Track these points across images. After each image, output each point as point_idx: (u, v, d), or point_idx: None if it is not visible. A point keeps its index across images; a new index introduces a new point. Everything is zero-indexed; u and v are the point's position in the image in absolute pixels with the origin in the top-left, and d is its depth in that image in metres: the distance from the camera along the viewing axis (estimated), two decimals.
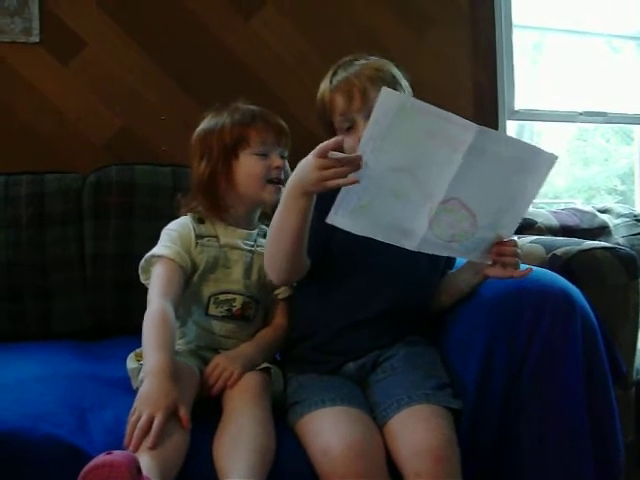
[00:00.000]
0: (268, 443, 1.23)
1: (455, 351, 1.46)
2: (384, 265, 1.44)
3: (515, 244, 1.34)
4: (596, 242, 1.72)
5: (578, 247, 1.65)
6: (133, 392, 1.26)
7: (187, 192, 1.58)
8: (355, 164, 1.16)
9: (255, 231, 1.56)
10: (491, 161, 1.20)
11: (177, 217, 1.54)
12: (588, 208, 2.72)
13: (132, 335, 1.42)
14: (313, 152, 1.20)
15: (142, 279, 1.47)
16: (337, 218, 1.20)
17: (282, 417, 1.34)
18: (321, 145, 1.19)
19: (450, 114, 1.17)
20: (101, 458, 1.01)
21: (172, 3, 2.26)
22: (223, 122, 1.52)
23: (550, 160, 1.25)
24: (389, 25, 2.48)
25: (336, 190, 1.19)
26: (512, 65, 2.73)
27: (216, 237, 1.50)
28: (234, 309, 1.49)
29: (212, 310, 1.48)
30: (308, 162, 1.21)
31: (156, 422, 1.13)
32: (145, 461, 1.08)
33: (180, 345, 1.45)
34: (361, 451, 1.20)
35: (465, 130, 1.17)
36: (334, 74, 1.49)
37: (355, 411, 1.29)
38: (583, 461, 1.35)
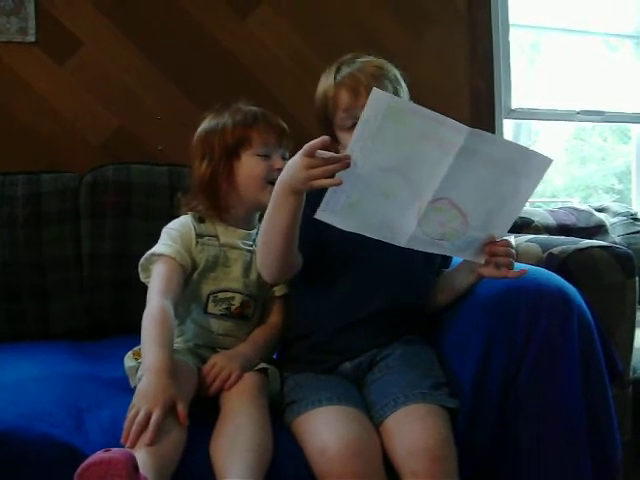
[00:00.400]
0: (266, 443, 1.23)
1: (452, 350, 1.46)
2: (380, 264, 1.44)
3: (508, 244, 1.34)
4: (593, 241, 1.72)
5: (575, 246, 1.65)
6: (130, 392, 1.26)
7: (186, 191, 1.58)
8: (343, 163, 1.16)
9: (254, 231, 1.56)
10: (483, 162, 1.20)
11: (176, 216, 1.54)
12: (585, 207, 2.72)
13: (129, 335, 1.42)
14: (300, 151, 1.20)
15: (142, 277, 1.47)
16: (325, 214, 1.20)
17: (279, 416, 1.34)
18: (308, 144, 1.19)
19: (442, 116, 1.16)
20: (98, 455, 1.01)
21: (168, 3, 2.25)
22: (225, 123, 1.52)
23: (544, 163, 1.25)
24: (387, 25, 2.48)
25: (327, 188, 1.19)
26: (509, 64, 2.73)
27: (216, 236, 1.50)
28: (233, 307, 1.49)
29: (211, 308, 1.48)
30: (296, 161, 1.20)
31: (154, 418, 1.13)
32: (142, 457, 1.08)
33: (178, 343, 1.45)
34: (358, 450, 1.20)
35: (456, 132, 1.16)
36: (338, 70, 1.47)
37: (352, 410, 1.29)
38: (580, 460, 1.35)
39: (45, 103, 2.15)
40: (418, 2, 2.53)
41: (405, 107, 1.18)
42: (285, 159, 1.53)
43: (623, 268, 1.62)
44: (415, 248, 1.27)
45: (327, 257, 1.44)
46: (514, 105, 2.78)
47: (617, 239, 2.59)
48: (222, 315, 1.48)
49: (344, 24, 2.42)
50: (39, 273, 1.89)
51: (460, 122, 1.16)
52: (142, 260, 1.46)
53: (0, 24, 2.11)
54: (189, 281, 1.46)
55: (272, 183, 1.49)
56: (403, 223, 1.24)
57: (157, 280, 1.40)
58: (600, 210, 2.73)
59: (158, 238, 1.48)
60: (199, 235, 1.48)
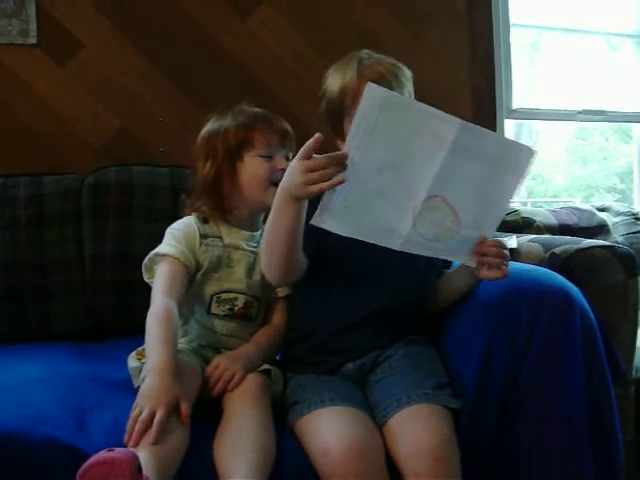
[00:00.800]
0: (269, 444, 1.23)
1: (454, 351, 1.46)
2: (382, 265, 1.43)
3: (499, 244, 1.34)
4: (595, 241, 1.72)
5: (577, 246, 1.64)
6: (133, 393, 1.26)
7: (189, 193, 1.58)
8: (341, 163, 1.15)
9: (258, 232, 1.56)
10: (473, 157, 1.20)
11: (180, 217, 1.54)
12: (587, 207, 2.72)
13: (132, 336, 1.42)
14: (297, 155, 1.19)
15: (145, 278, 1.47)
16: (322, 219, 1.19)
17: (282, 417, 1.34)
18: (304, 147, 1.18)
19: (435, 110, 1.17)
20: (102, 455, 1.01)
21: (168, 4, 2.26)
22: (228, 124, 1.52)
23: (529, 154, 1.25)
24: (387, 25, 2.48)
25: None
26: (510, 64, 2.73)
27: (220, 237, 1.51)
28: (236, 308, 1.49)
29: (214, 309, 1.48)
30: (294, 166, 1.19)
31: (157, 417, 1.14)
32: (144, 457, 1.08)
33: (182, 344, 1.45)
34: (361, 451, 1.20)
35: (449, 126, 1.17)
36: (360, 63, 1.45)
37: (354, 411, 1.29)
38: (583, 460, 1.35)
39: (46, 105, 2.15)
40: (418, 2, 2.54)
41: (400, 101, 1.18)
42: (288, 160, 1.53)
43: (625, 268, 1.62)
44: (409, 251, 1.26)
45: (329, 258, 1.44)
46: (515, 105, 2.78)
47: (619, 239, 2.59)
48: (225, 316, 1.48)
49: (344, 24, 2.42)
50: (41, 274, 1.89)
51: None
52: (146, 260, 1.46)
53: (1, 26, 2.11)
54: (193, 281, 1.46)
55: (275, 184, 1.49)
56: (398, 224, 1.23)
57: (161, 280, 1.40)
58: (602, 210, 2.73)
59: (160, 239, 1.48)
60: (203, 236, 1.48)
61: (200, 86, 2.24)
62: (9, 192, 1.90)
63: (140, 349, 1.41)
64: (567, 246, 1.65)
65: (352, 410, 1.29)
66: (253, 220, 1.57)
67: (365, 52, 1.50)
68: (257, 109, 1.56)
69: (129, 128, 2.23)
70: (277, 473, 1.20)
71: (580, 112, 2.96)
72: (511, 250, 1.72)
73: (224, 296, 1.48)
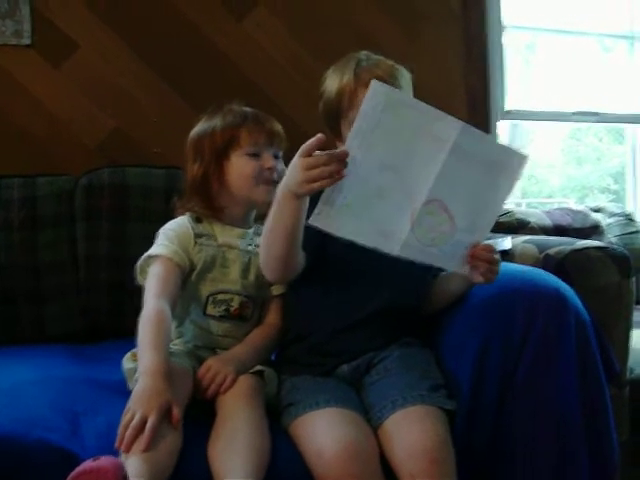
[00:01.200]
0: (263, 445, 1.23)
1: (449, 352, 1.46)
2: (378, 266, 1.43)
3: (489, 249, 1.33)
4: (589, 241, 1.72)
5: (571, 247, 1.65)
6: (127, 395, 1.26)
7: (182, 194, 1.57)
8: (342, 160, 1.15)
9: (252, 230, 1.56)
10: (470, 161, 1.20)
11: (174, 217, 1.54)
12: (581, 207, 2.73)
13: (126, 337, 1.41)
14: (298, 152, 1.19)
15: (139, 279, 1.46)
16: (320, 218, 1.19)
17: (276, 419, 1.34)
18: (305, 144, 1.18)
19: (438, 111, 1.16)
20: (88, 464, 1.01)
21: (163, 5, 2.25)
22: (215, 124, 1.51)
23: (521, 159, 1.25)
24: (382, 26, 2.48)
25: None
26: (503, 65, 2.74)
27: (214, 236, 1.50)
28: (232, 309, 1.48)
29: (210, 310, 1.48)
30: (294, 163, 1.19)
31: (149, 423, 1.13)
32: (136, 463, 1.08)
33: (177, 345, 1.45)
34: (355, 453, 1.20)
35: (451, 127, 1.16)
36: (357, 65, 1.45)
37: (349, 413, 1.29)
38: (578, 460, 1.35)
39: (41, 106, 2.15)
40: (413, 3, 2.53)
41: (403, 100, 1.17)
42: (277, 158, 1.52)
43: (619, 268, 1.62)
44: (407, 257, 1.25)
45: (327, 258, 1.44)
46: (509, 106, 2.79)
47: (613, 239, 2.60)
48: (221, 317, 1.48)
49: (339, 25, 2.42)
50: (35, 276, 1.89)
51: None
52: (139, 261, 1.45)
53: None
54: (187, 282, 1.46)
55: (264, 182, 1.49)
56: (396, 227, 1.22)
57: (154, 281, 1.39)
58: (596, 210, 2.74)
59: (155, 241, 1.47)
60: (197, 235, 1.48)
61: (195, 87, 2.24)
62: (3, 193, 1.90)
63: (135, 350, 1.40)
64: (561, 247, 1.65)
65: (347, 412, 1.29)
66: (246, 217, 1.56)
67: (364, 53, 1.49)
68: (247, 108, 1.55)
69: (124, 129, 2.22)
70: (272, 475, 1.20)
71: (574, 113, 2.97)
72: (505, 251, 1.72)
73: (220, 297, 1.48)
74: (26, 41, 2.13)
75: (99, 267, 1.92)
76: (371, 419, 1.31)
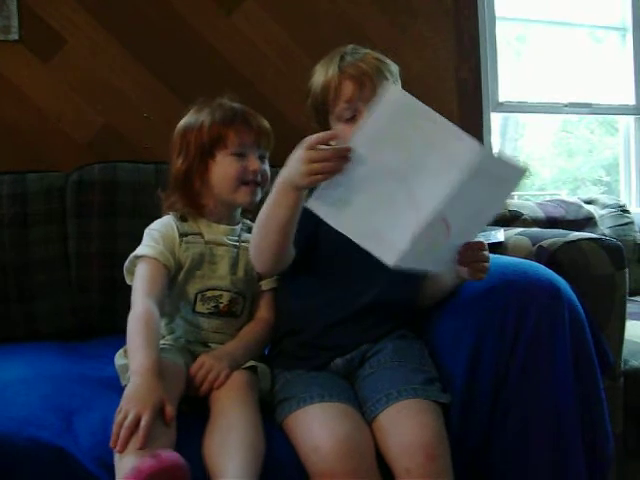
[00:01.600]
0: (257, 441, 1.22)
1: (443, 345, 1.45)
2: (371, 259, 1.42)
3: (479, 246, 1.32)
4: (582, 233, 1.72)
5: (564, 239, 1.65)
6: (120, 392, 1.25)
7: (164, 187, 1.56)
8: (345, 157, 1.14)
9: (238, 226, 1.55)
10: (480, 180, 1.15)
11: (159, 216, 1.53)
12: (574, 199, 2.73)
13: (118, 334, 1.40)
14: (302, 143, 1.18)
15: (127, 281, 1.45)
16: (317, 204, 1.17)
17: (270, 414, 1.33)
18: (311, 137, 1.18)
19: (454, 127, 1.11)
20: (155, 463, 1.04)
21: None
22: (203, 119, 1.49)
23: (521, 172, 1.22)
24: (372, 18, 2.47)
25: None
26: (496, 57, 2.74)
27: (200, 234, 1.49)
28: (221, 305, 1.48)
29: (199, 307, 1.47)
30: (297, 155, 1.19)
31: (143, 422, 1.12)
32: (132, 462, 1.07)
33: (169, 341, 1.44)
34: (351, 448, 1.20)
35: (469, 150, 1.10)
36: (342, 59, 1.45)
37: (344, 407, 1.29)
38: (573, 452, 1.35)
39: (29, 101, 2.13)
40: None
41: (419, 109, 1.13)
42: (263, 159, 1.51)
43: (613, 260, 1.62)
44: (402, 267, 1.18)
45: (319, 252, 1.44)
46: (501, 98, 2.78)
47: (606, 231, 2.60)
48: (211, 314, 1.47)
49: (329, 18, 2.41)
50: (26, 274, 1.87)
51: (448, 117, 1.12)
52: (126, 263, 1.45)
53: None
54: (175, 281, 1.45)
55: (246, 184, 1.48)
56: (394, 237, 1.16)
57: (140, 282, 1.39)
58: (589, 202, 2.74)
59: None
60: (182, 234, 1.47)
61: (184, 81, 2.23)
62: None
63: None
64: (554, 239, 1.65)
65: (341, 406, 1.29)
66: (231, 214, 1.55)
67: (350, 47, 1.49)
68: (236, 105, 1.54)
69: (113, 124, 2.21)
70: (268, 471, 1.19)
71: (566, 105, 2.97)
72: (498, 244, 1.72)
73: (209, 294, 1.47)
74: (14, 36, 2.11)
75: (90, 264, 1.91)
76: (365, 413, 1.31)
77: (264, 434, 1.24)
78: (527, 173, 1.22)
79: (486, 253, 1.34)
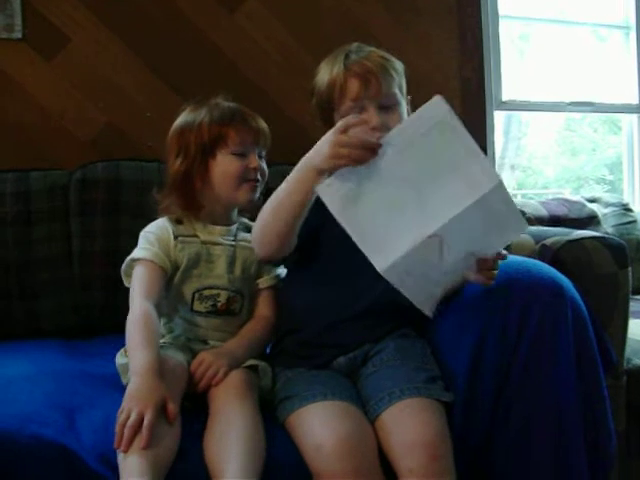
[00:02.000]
0: (257, 440, 1.22)
1: (446, 343, 1.45)
2: None
3: (500, 257, 1.31)
4: (585, 232, 1.72)
5: (567, 237, 1.65)
6: (122, 390, 1.25)
7: (162, 187, 1.55)
8: (374, 150, 1.14)
9: (234, 226, 1.55)
10: (486, 216, 1.16)
11: (154, 218, 1.52)
12: (577, 198, 2.73)
13: (120, 333, 1.40)
14: (335, 127, 1.18)
15: (125, 283, 1.46)
16: (326, 190, 1.17)
17: (272, 413, 1.33)
18: (344, 120, 1.18)
19: (481, 155, 1.13)
20: None
21: None
22: (202, 119, 1.49)
23: (521, 227, 1.23)
24: (375, 17, 2.46)
25: None
26: (499, 55, 2.73)
27: (196, 236, 1.49)
28: (219, 304, 1.48)
29: (197, 306, 1.47)
30: (326, 137, 1.19)
31: (146, 420, 1.12)
32: (137, 461, 1.08)
33: (168, 339, 1.44)
34: (353, 446, 1.20)
35: (487, 179, 1.12)
36: (347, 57, 1.45)
37: (346, 405, 1.29)
38: (575, 450, 1.35)
39: (33, 100, 2.13)
40: None
41: (458, 131, 1.13)
42: (261, 158, 1.51)
43: (616, 259, 1.62)
44: (387, 278, 1.18)
45: (321, 250, 1.43)
46: (505, 97, 2.78)
47: (609, 230, 2.60)
48: (209, 312, 1.47)
49: (332, 16, 2.41)
50: (28, 271, 1.87)
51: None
52: (123, 266, 1.45)
53: None
54: (172, 282, 1.45)
55: (247, 182, 1.48)
56: (392, 245, 1.16)
57: (137, 284, 1.39)
58: (592, 201, 2.74)
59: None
60: (178, 236, 1.47)
61: (187, 80, 2.22)
62: None
63: None
64: (558, 237, 1.65)
65: (343, 404, 1.29)
66: (228, 215, 1.55)
67: (355, 45, 1.48)
68: (233, 104, 1.53)
69: (116, 123, 2.21)
70: (270, 470, 1.19)
71: (569, 103, 2.96)
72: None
73: (206, 292, 1.47)
74: (17, 35, 2.11)
75: (93, 262, 1.91)
76: (368, 411, 1.31)
77: (264, 433, 1.24)
78: (525, 230, 1.22)
79: (499, 262, 1.33)
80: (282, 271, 1.57)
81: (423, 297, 1.26)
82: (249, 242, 1.49)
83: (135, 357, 1.26)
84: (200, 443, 1.21)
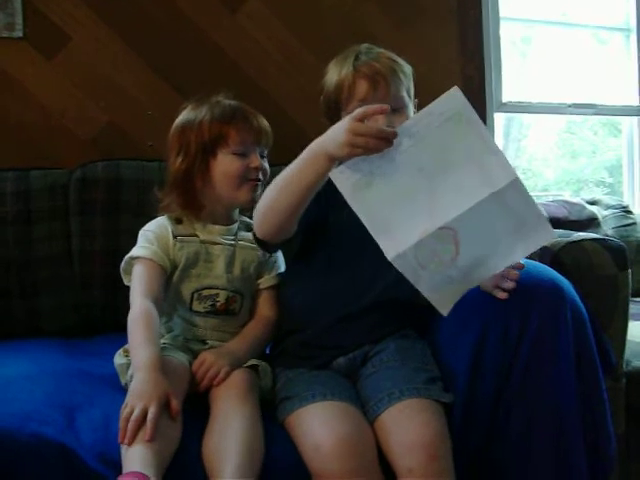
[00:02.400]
0: (256, 441, 1.22)
1: (446, 344, 1.45)
2: (374, 258, 1.41)
3: (520, 266, 1.33)
4: (585, 234, 1.72)
5: (567, 239, 1.65)
6: (122, 389, 1.25)
7: (162, 186, 1.55)
8: (389, 140, 1.13)
9: (235, 225, 1.55)
10: (504, 213, 1.15)
11: (154, 217, 1.52)
12: (577, 200, 2.73)
13: (120, 332, 1.41)
14: (351, 115, 1.16)
15: (125, 281, 1.46)
16: (340, 177, 1.16)
17: (272, 413, 1.33)
18: (362, 109, 1.16)
19: (498, 149, 1.13)
20: None
21: None
22: (202, 117, 1.48)
23: (547, 235, 1.21)
24: (376, 18, 2.46)
25: None
26: (500, 57, 2.73)
27: (195, 235, 1.49)
28: (218, 304, 1.48)
29: (196, 306, 1.47)
30: (342, 124, 1.17)
31: (150, 414, 1.13)
32: (141, 453, 1.09)
33: (167, 339, 1.44)
34: (352, 447, 1.20)
35: (503, 173, 1.12)
36: (356, 58, 1.44)
37: (345, 406, 1.29)
38: (575, 452, 1.35)
39: (33, 99, 2.13)
40: None
41: (474, 122, 1.13)
42: (263, 157, 1.51)
43: (616, 261, 1.62)
44: (397, 267, 1.20)
45: (320, 246, 1.43)
46: (505, 98, 2.78)
47: (609, 232, 2.60)
48: (208, 312, 1.47)
49: (333, 17, 2.40)
50: (29, 270, 1.88)
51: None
52: (122, 264, 1.45)
53: None
54: (171, 281, 1.45)
55: (248, 181, 1.47)
56: (402, 235, 1.17)
57: (137, 282, 1.39)
58: (592, 203, 2.74)
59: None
60: (177, 235, 1.47)
61: (188, 79, 2.22)
62: None
63: (126, 346, 1.40)
64: (558, 239, 1.65)
65: (343, 405, 1.29)
66: (228, 214, 1.55)
67: (365, 46, 1.49)
68: (234, 102, 1.53)
69: (117, 122, 2.21)
70: (268, 469, 1.20)
71: (570, 106, 2.96)
72: None
73: (205, 292, 1.47)
74: (18, 34, 2.11)
75: (93, 261, 1.91)
76: (367, 412, 1.31)
77: (263, 433, 1.24)
78: (552, 238, 1.21)
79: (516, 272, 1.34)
80: (282, 271, 1.57)
81: (439, 295, 1.25)
82: (249, 241, 1.49)
83: (137, 354, 1.26)
84: (200, 441, 1.21)
